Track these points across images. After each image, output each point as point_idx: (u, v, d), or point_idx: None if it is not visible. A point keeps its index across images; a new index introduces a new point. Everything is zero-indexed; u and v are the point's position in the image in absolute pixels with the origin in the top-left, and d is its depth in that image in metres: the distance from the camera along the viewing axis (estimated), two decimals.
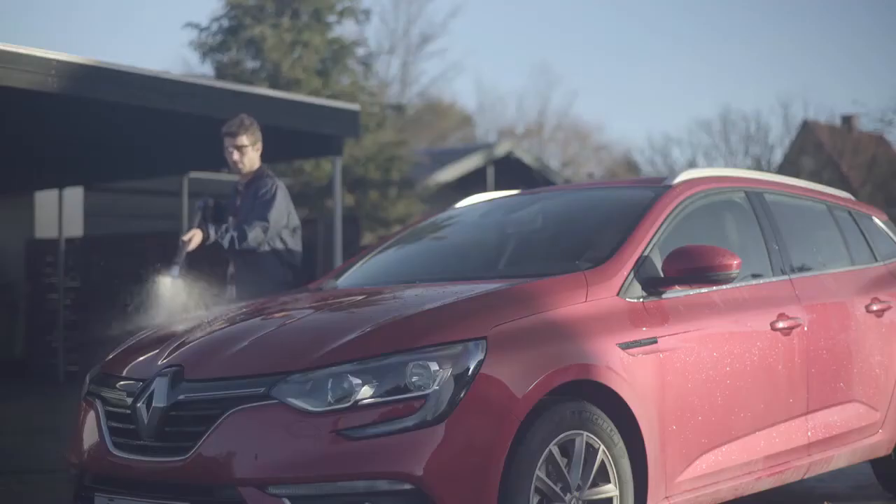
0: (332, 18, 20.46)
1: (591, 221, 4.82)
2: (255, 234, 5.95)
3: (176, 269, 5.76)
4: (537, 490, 3.56)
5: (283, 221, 6.10)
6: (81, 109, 9.12)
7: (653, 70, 63.65)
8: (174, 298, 5.67)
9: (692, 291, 4.34)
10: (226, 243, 5.91)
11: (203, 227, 5.90)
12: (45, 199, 15.03)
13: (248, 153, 6.17)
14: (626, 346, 3.94)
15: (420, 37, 35.79)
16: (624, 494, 3.82)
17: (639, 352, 3.98)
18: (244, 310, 4.40)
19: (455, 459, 3.39)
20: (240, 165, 6.17)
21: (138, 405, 3.66)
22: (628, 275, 4.17)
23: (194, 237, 5.85)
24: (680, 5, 61.85)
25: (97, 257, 13.70)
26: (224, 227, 5.96)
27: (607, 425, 3.78)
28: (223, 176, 15.64)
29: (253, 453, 3.40)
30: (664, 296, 4.24)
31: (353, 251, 11.35)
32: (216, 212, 6.22)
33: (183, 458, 3.50)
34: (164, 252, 12.49)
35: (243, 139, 6.14)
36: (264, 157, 6.30)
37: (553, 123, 44.27)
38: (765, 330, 4.60)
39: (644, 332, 4.04)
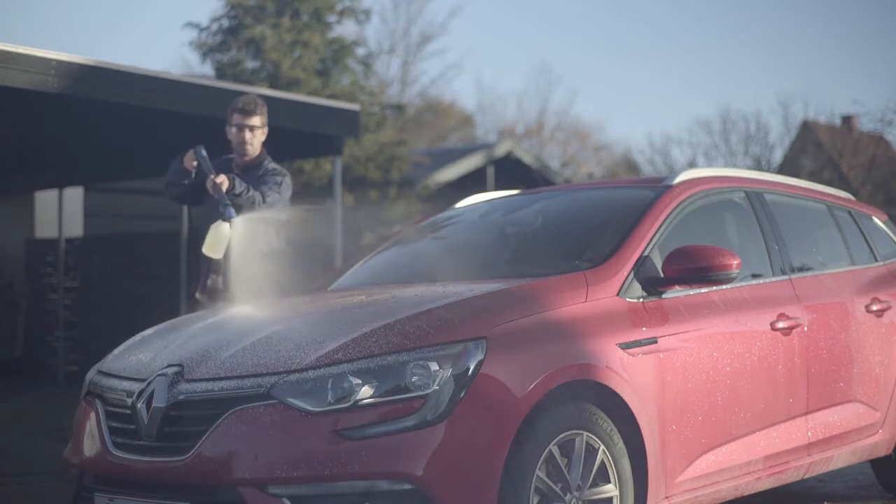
0: (332, 18, 20.44)
1: (591, 221, 4.82)
2: (271, 201, 5.63)
3: (231, 210, 5.46)
4: (537, 490, 3.56)
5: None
6: (81, 109, 9.10)
7: (653, 70, 63.65)
8: (244, 239, 5.37)
9: (692, 291, 4.35)
10: (247, 202, 5.57)
11: (229, 176, 5.56)
12: (45, 199, 15.02)
13: (258, 135, 5.87)
14: (626, 346, 3.94)
15: (420, 37, 35.79)
16: (624, 494, 3.82)
17: (639, 352, 3.98)
18: (244, 310, 4.40)
19: (455, 459, 3.39)
20: (248, 146, 5.84)
21: (138, 405, 3.66)
22: (628, 275, 4.18)
23: (224, 181, 5.49)
24: (680, 5, 61.85)
25: (97, 257, 13.71)
26: (245, 184, 5.60)
27: (607, 425, 3.79)
28: None
29: (253, 453, 3.40)
30: (664, 296, 4.24)
31: (353, 251, 11.34)
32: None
33: (183, 458, 3.50)
34: (164, 251, 12.60)
35: (256, 119, 5.83)
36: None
37: (553, 123, 44.27)
38: (765, 330, 4.60)
39: (644, 332, 4.05)
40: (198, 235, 6.04)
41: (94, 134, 10.39)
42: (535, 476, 3.55)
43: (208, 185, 5.57)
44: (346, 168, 18.10)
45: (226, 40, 19.85)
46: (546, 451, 3.59)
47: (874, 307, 5.30)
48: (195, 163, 5.74)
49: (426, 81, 45.61)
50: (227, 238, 5.44)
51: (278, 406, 3.44)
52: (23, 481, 6.48)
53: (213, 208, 5.80)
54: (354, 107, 11.19)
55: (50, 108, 9.12)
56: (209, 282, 5.75)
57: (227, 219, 5.45)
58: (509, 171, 23.93)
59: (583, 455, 3.71)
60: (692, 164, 28.97)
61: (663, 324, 4.14)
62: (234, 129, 5.85)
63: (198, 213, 6.10)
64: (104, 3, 56.02)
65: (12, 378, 13.53)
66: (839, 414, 4.97)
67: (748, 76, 59.92)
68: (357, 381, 3.42)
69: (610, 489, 3.79)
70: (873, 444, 5.24)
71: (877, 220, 6.01)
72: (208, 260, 5.75)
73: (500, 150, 24.67)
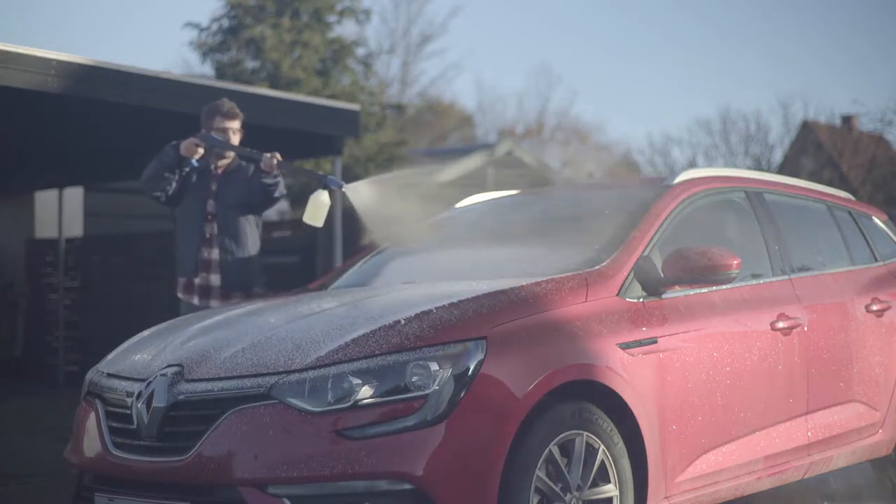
0: (332, 18, 20.46)
1: (591, 221, 4.81)
2: (280, 191, 5.74)
3: (335, 179, 5.49)
4: (537, 490, 3.56)
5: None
6: (81, 109, 9.10)
7: (653, 70, 63.60)
8: (369, 204, 5.37)
9: (692, 291, 4.35)
10: (274, 187, 5.69)
11: (272, 153, 5.64)
12: (45, 199, 15.02)
13: (238, 139, 5.92)
14: (626, 346, 3.94)
15: (420, 37, 35.81)
16: (624, 494, 3.82)
17: (639, 352, 3.98)
18: (243, 309, 4.40)
19: (455, 459, 3.39)
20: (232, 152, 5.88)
21: (138, 405, 3.67)
22: (628, 275, 4.18)
23: (278, 156, 5.60)
24: (680, 5, 61.81)
25: (97, 257, 13.70)
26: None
27: (607, 425, 3.79)
28: None
29: (253, 453, 3.40)
30: (664, 296, 4.24)
31: (353, 251, 11.32)
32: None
33: (183, 458, 3.50)
34: (164, 251, 12.59)
35: (238, 123, 5.90)
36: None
37: (553, 123, 44.24)
38: (765, 330, 4.60)
39: (644, 332, 4.05)
40: (174, 238, 6.05)
41: (94, 134, 10.38)
42: (535, 476, 3.55)
43: (265, 164, 5.62)
44: (346, 168, 18.08)
45: (226, 40, 19.86)
46: (546, 451, 3.59)
47: (874, 307, 5.30)
48: (201, 150, 5.73)
49: (426, 81, 45.59)
50: (328, 206, 5.50)
51: (278, 406, 3.44)
52: (23, 481, 6.48)
53: (192, 208, 5.82)
54: (354, 107, 11.19)
55: (50, 108, 9.12)
56: (198, 280, 5.76)
57: (334, 187, 5.47)
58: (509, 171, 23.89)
59: (583, 455, 3.71)
60: (692, 164, 28.97)
61: (663, 324, 4.14)
62: (218, 132, 5.85)
63: (179, 214, 6.07)
64: (104, 3, 56.03)
65: (12, 378, 13.53)
66: (839, 414, 4.97)
67: (748, 76, 59.86)
68: (357, 381, 3.42)
69: (610, 489, 3.79)
70: (873, 444, 5.24)
71: (877, 220, 6.01)
72: (195, 258, 5.76)
73: (500, 151, 24.65)
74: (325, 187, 5.49)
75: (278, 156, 5.64)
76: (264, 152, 5.67)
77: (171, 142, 5.85)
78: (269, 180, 5.70)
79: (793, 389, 4.69)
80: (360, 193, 5.39)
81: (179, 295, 5.87)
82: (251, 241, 5.85)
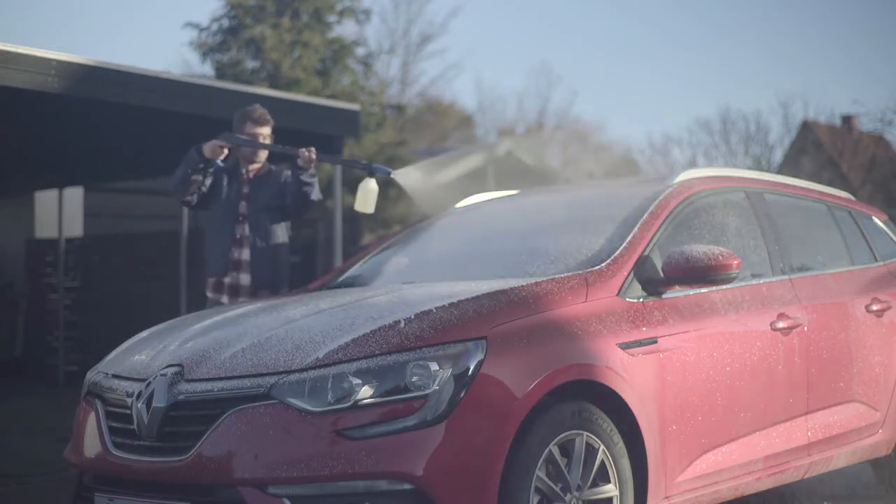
0: (332, 18, 20.48)
1: (592, 221, 4.81)
2: (316, 194, 5.80)
3: (381, 167, 5.58)
4: (537, 490, 3.56)
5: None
6: (81, 109, 9.11)
7: (653, 70, 63.56)
8: (419, 187, 5.60)
9: (692, 291, 4.35)
10: (312, 187, 5.75)
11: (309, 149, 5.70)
12: (45, 199, 15.02)
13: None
14: (626, 346, 3.94)
15: (420, 37, 35.78)
16: (624, 494, 3.82)
17: (639, 352, 3.98)
18: (244, 309, 4.40)
19: (455, 459, 3.39)
20: (263, 155, 5.95)
21: (138, 405, 3.66)
22: (628, 275, 4.18)
23: (314, 150, 5.65)
24: (680, 5, 61.79)
25: (97, 257, 13.70)
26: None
27: (607, 425, 3.79)
28: None
29: (253, 453, 3.40)
30: (664, 296, 4.24)
31: (353, 251, 11.34)
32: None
33: (183, 458, 3.50)
34: (164, 251, 12.60)
35: (268, 129, 5.92)
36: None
37: (553, 123, 44.21)
38: (765, 330, 4.60)
39: (644, 332, 4.05)
40: (199, 236, 6.08)
41: (94, 134, 10.39)
42: (535, 476, 3.54)
43: (302, 159, 5.65)
44: (346, 168, 18.09)
45: (226, 40, 19.88)
46: (546, 451, 3.59)
47: (874, 307, 5.30)
48: (226, 151, 5.76)
49: (426, 81, 45.60)
50: (376, 193, 5.61)
51: (278, 406, 3.44)
52: (23, 481, 6.48)
53: (223, 210, 5.84)
54: (354, 107, 11.19)
55: (50, 108, 9.12)
56: (228, 279, 5.79)
57: (382, 175, 5.57)
58: (509, 171, 23.90)
59: (583, 455, 3.71)
60: (692, 164, 28.99)
61: (663, 324, 4.14)
62: (246, 139, 5.87)
63: (209, 216, 6.10)
64: (104, 3, 56.03)
65: (12, 378, 13.52)
66: (839, 414, 4.97)
67: (748, 76, 59.80)
68: (357, 381, 3.42)
69: (610, 489, 3.79)
70: (873, 444, 5.24)
71: (877, 220, 6.01)
72: (226, 258, 5.79)
73: (500, 151, 24.65)
74: (372, 175, 5.57)
75: (314, 150, 5.65)
76: (299, 148, 5.70)
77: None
78: (306, 178, 5.71)
79: (793, 389, 4.69)
80: (409, 177, 5.60)
81: (208, 294, 5.91)
82: (281, 241, 5.92)
